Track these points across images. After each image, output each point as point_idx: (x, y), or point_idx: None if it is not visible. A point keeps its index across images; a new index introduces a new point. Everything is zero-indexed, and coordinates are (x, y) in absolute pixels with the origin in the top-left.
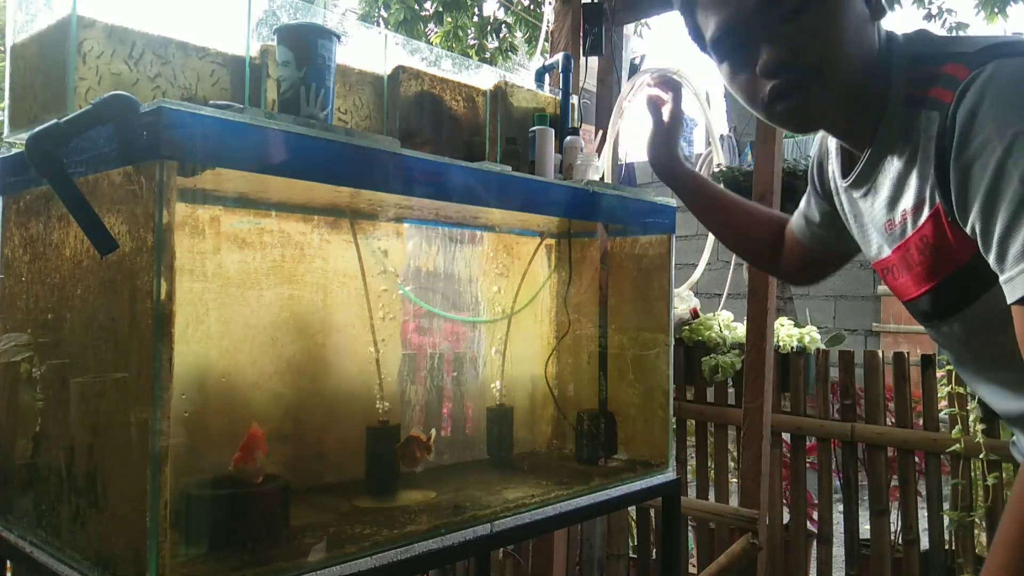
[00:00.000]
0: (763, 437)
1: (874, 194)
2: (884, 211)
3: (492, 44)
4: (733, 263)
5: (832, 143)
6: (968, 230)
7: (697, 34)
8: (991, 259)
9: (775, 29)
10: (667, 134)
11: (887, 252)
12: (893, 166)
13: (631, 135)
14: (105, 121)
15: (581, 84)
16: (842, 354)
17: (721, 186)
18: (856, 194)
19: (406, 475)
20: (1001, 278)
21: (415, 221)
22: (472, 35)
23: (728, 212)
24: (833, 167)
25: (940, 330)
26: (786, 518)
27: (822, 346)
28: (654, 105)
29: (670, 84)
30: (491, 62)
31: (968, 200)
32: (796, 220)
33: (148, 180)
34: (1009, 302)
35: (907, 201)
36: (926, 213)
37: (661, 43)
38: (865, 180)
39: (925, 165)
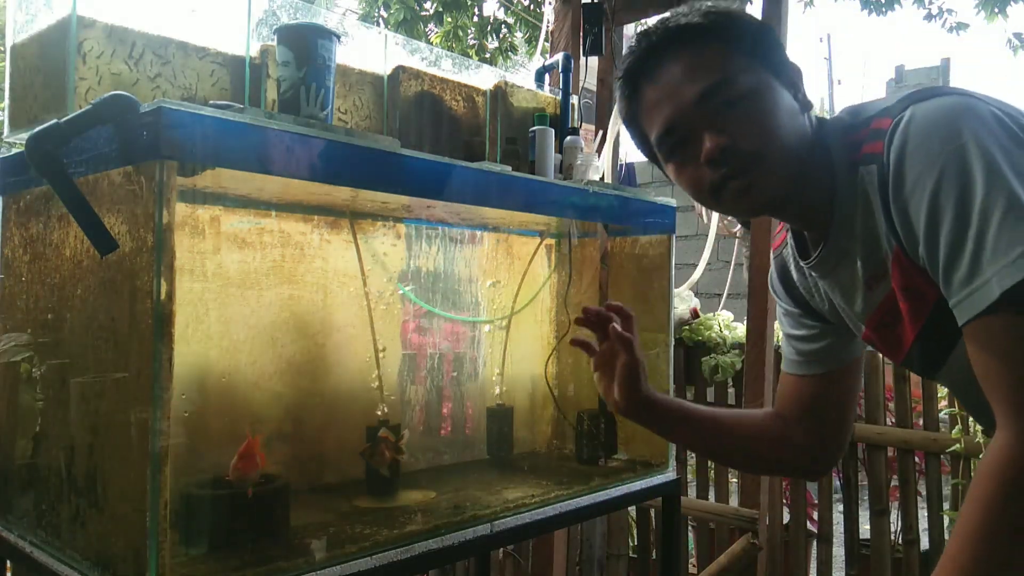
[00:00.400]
0: None
1: (848, 265)
2: (862, 275)
3: (492, 44)
4: (733, 263)
5: (787, 250)
6: (921, 265)
7: (643, 140)
8: (943, 289)
9: (713, 120)
10: (638, 370)
11: (866, 317)
12: (857, 231)
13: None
14: (105, 121)
15: (581, 84)
16: None
17: (700, 406)
18: (817, 273)
19: (406, 475)
20: (950, 303)
21: (415, 221)
22: (472, 35)
23: (723, 427)
24: (794, 262)
25: (946, 383)
26: (786, 518)
27: None
28: (626, 342)
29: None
30: (491, 62)
31: (914, 238)
32: (789, 363)
33: (148, 180)
34: (960, 324)
35: (880, 253)
36: (891, 259)
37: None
38: (831, 258)
39: (878, 215)
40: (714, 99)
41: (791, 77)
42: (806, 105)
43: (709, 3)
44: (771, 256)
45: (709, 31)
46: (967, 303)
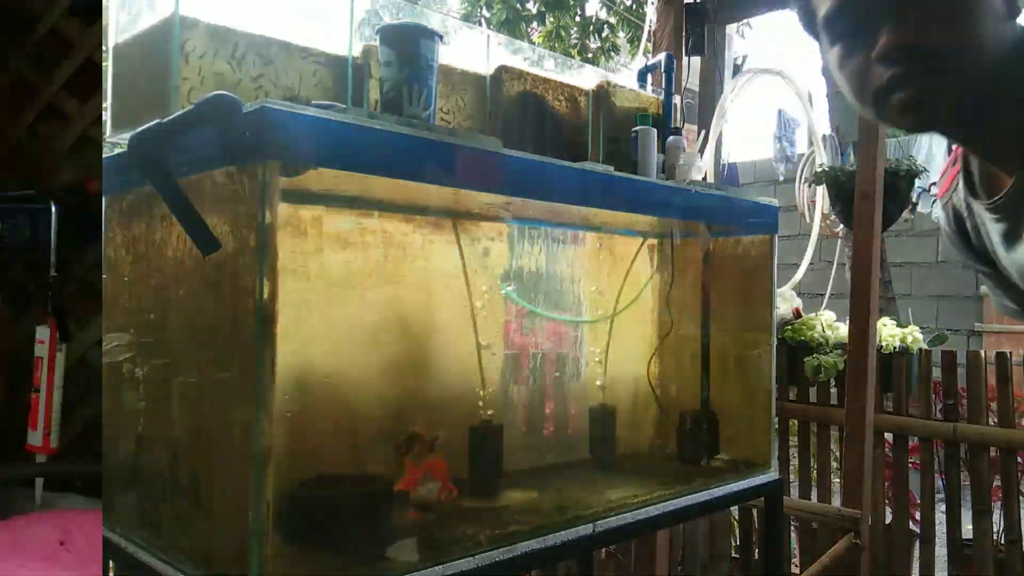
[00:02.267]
0: (865, 437)
1: None
2: None
3: (594, 44)
4: (836, 263)
5: (957, 195)
6: None
7: (806, 11)
8: None
9: (899, 9)
10: None
11: None
12: None
13: (734, 135)
14: (208, 121)
15: (684, 84)
16: (944, 354)
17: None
18: (998, 215)
19: (509, 475)
20: None
21: (517, 221)
22: (574, 35)
23: None
24: (965, 204)
25: None
26: (888, 518)
27: (924, 346)
28: None
29: None
30: (593, 62)
31: None
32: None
33: (251, 180)
34: None
35: None
36: None
37: (763, 43)
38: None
39: None
40: None
41: None
42: (1013, 9)
43: None
44: (940, 204)
45: None
46: None
